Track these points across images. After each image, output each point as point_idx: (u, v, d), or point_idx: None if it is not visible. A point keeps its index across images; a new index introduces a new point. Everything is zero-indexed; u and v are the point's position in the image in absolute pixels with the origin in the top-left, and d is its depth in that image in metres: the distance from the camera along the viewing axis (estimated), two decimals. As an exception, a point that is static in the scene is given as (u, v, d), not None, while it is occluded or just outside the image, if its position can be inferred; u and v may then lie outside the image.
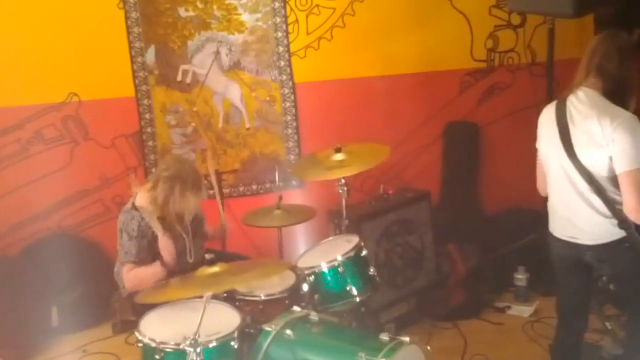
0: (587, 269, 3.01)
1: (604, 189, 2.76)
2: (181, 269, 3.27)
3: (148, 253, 3.23)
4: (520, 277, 4.48)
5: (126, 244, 3.23)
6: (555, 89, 4.22)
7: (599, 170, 2.76)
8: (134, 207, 3.26)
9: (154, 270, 3.19)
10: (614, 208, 2.76)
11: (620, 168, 2.68)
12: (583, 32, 4.77)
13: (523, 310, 4.38)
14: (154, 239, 3.24)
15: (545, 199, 3.07)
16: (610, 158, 2.71)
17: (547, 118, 2.96)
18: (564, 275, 3.08)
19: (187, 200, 3.24)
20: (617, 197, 2.77)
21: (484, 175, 4.99)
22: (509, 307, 4.44)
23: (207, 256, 2.73)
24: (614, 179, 2.75)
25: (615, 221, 2.78)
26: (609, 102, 2.77)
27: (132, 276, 3.23)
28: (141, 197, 3.29)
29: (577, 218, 2.88)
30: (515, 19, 4.86)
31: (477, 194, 5.00)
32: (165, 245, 3.19)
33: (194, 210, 3.36)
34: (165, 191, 3.22)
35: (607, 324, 3.80)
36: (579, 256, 2.94)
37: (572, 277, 3.05)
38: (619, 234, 2.80)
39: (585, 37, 4.76)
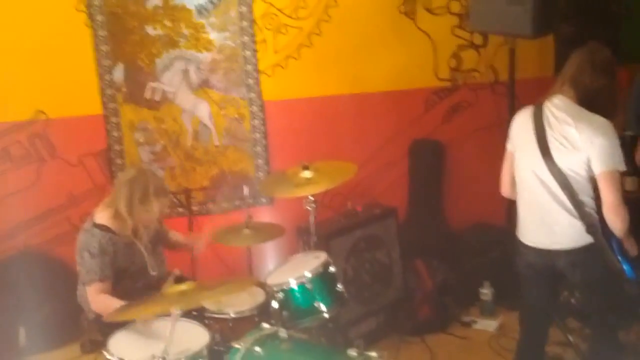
0: (555, 278, 3.07)
1: (575, 193, 2.84)
2: (145, 284, 3.28)
3: (111, 270, 3.21)
4: (486, 292, 4.55)
5: (88, 262, 3.19)
6: (517, 107, 4.32)
7: (574, 174, 2.85)
8: (94, 225, 3.25)
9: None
10: (584, 212, 2.85)
11: (599, 169, 2.79)
12: (543, 51, 4.91)
13: (489, 325, 4.44)
14: (115, 255, 3.23)
15: (509, 215, 3.13)
16: (587, 161, 2.81)
17: (522, 122, 3.03)
18: (531, 285, 3.12)
19: (150, 204, 3.20)
20: (587, 200, 2.87)
21: (449, 192, 5.07)
22: (474, 322, 4.50)
23: (176, 272, 2.75)
24: (586, 183, 2.85)
25: (585, 226, 2.87)
26: (584, 109, 2.88)
27: (102, 302, 3.17)
28: (101, 215, 3.28)
29: (551, 222, 2.93)
30: (478, 39, 4.96)
31: (443, 211, 5.08)
32: None
33: (157, 219, 3.33)
34: (126, 197, 3.18)
35: (570, 336, 3.88)
36: (551, 263, 2.98)
37: (539, 287, 3.11)
38: (592, 238, 2.89)
39: (546, 57, 4.91)
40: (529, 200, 3.02)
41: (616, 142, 2.80)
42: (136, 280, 3.31)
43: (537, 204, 2.97)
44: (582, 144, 2.80)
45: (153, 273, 3.35)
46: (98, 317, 3.20)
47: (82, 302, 3.39)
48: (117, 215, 3.22)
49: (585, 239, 2.89)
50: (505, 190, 3.19)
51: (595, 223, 2.85)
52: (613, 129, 2.82)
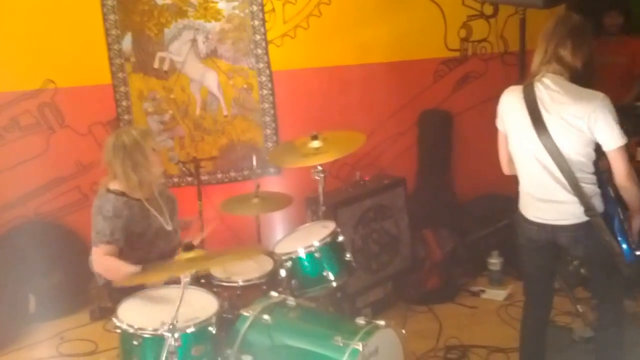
0: (556, 250, 3.06)
1: (573, 173, 2.81)
2: (158, 254, 3.29)
3: (122, 234, 3.20)
4: (494, 262, 4.56)
5: (100, 224, 3.19)
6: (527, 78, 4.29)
7: (574, 154, 2.80)
8: (108, 191, 3.27)
9: (129, 270, 3.10)
10: (582, 192, 2.81)
11: (610, 146, 2.75)
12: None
13: (497, 294, 4.45)
14: (129, 219, 3.24)
15: (517, 185, 3.10)
16: (588, 140, 2.77)
17: (513, 103, 2.96)
18: (533, 258, 3.11)
19: (129, 160, 3.22)
20: (586, 177, 2.82)
21: (457, 162, 5.06)
22: (483, 291, 4.52)
23: (186, 240, 2.77)
24: (586, 161, 2.81)
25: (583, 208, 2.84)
26: (577, 86, 2.82)
27: (105, 263, 3.17)
28: (113, 183, 3.30)
29: (552, 199, 2.90)
30: (488, 9, 4.90)
31: (452, 180, 5.07)
32: None
33: (152, 174, 3.34)
34: (117, 163, 3.23)
35: (578, 306, 3.88)
36: (552, 238, 2.96)
37: (541, 260, 3.09)
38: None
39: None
40: (528, 178, 3.00)
41: (615, 115, 2.75)
42: (150, 250, 3.32)
43: (537, 183, 2.95)
44: (583, 123, 2.75)
45: (169, 228, 3.37)
46: (108, 283, 3.23)
47: (93, 268, 3.42)
48: (122, 181, 3.26)
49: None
50: (505, 170, 3.16)
51: (592, 204, 2.82)
52: (610, 101, 2.77)
